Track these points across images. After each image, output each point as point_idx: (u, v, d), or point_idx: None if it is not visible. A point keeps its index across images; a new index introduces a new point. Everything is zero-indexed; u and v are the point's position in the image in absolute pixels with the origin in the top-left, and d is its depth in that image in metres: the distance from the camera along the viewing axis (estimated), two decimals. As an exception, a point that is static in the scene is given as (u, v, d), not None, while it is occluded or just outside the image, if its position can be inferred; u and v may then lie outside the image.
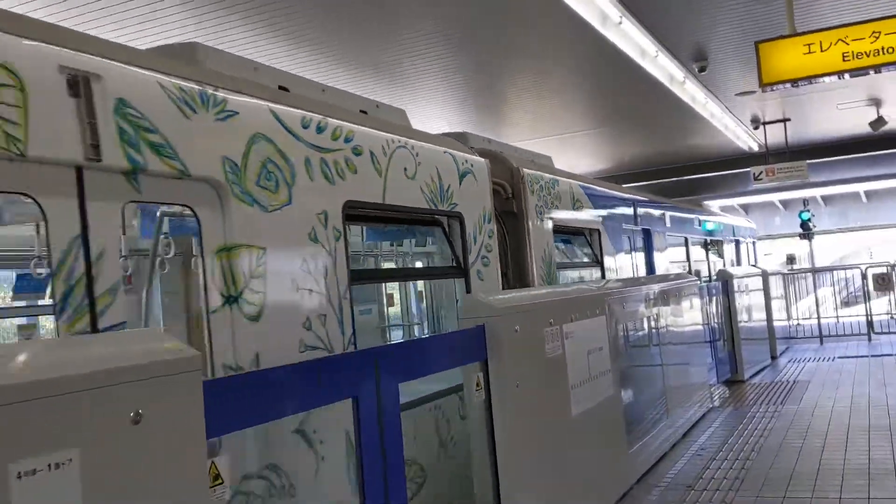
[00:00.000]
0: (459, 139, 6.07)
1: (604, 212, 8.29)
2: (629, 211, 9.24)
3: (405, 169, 4.75)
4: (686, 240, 11.66)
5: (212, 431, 2.28)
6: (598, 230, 8.12)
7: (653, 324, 7.36)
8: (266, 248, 3.53)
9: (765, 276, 13.11)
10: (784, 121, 14.65)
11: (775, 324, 13.33)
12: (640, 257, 9.56)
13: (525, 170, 6.64)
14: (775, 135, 15.55)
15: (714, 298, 10.52)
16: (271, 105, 3.74)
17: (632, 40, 9.18)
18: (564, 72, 10.61)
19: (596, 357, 5.43)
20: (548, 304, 4.81)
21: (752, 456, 6.64)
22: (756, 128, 15.08)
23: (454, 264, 5.29)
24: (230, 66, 3.98)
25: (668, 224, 10.65)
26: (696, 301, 9.15)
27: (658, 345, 7.47)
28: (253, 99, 3.64)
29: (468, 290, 5.21)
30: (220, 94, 3.45)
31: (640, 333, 7.06)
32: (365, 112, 4.94)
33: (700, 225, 12.47)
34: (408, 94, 10.87)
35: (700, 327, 9.33)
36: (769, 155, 16.32)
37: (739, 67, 10.96)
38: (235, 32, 8.11)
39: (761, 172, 14.81)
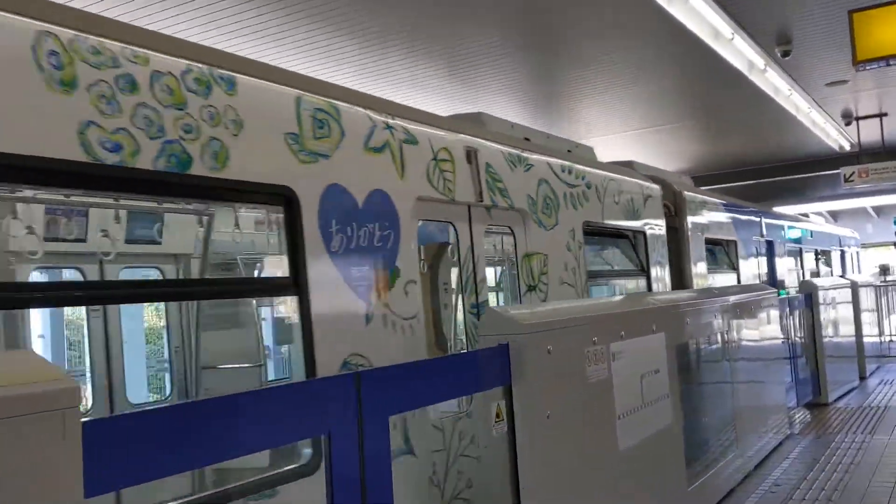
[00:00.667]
0: (627, 166, 7.84)
1: (739, 225, 10.02)
2: (757, 224, 10.85)
3: (614, 196, 6.85)
4: (801, 250, 13.26)
5: (92, 489, 1.72)
6: (735, 241, 9.87)
7: (724, 340, 6.54)
8: (547, 254, 5.60)
9: (854, 287, 11.94)
10: (880, 115, 13.26)
11: (865, 340, 12.14)
12: (764, 265, 10.99)
13: (685, 192, 8.40)
14: (870, 132, 14.17)
15: (796, 312, 9.54)
16: (548, 159, 5.92)
17: (703, 20, 8.19)
18: (630, 59, 9.75)
19: (651, 381, 4.70)
20: (590, 319, 4.12)
21: (836, 497, 5.76)
22: (848, 124, 13.67)
23: (640, 268, 7.45)
24: (499, 126, 5.93)
25: (787, 235, 12.26)
26: (775, 315, 8.22)
27: (729, 363, 6.64)
28: (537, 155, 5.80)
29: (649, 288, 7.43)
30: (524, 154, 5.62)
31: (709, 352, 6.25)
32: (570, 151, 6.69)
33: (812, 235, 14.12)
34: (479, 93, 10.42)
35: (779, 343, 8.41)
36: (862, 154, 14.82)
37: (830, 53, 9.80)
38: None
39: (853, 173, 13.50)
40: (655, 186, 7.72)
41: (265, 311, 6.18)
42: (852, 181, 13.51)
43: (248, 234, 4.54)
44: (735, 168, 17.76)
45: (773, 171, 18.04)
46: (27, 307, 4.19)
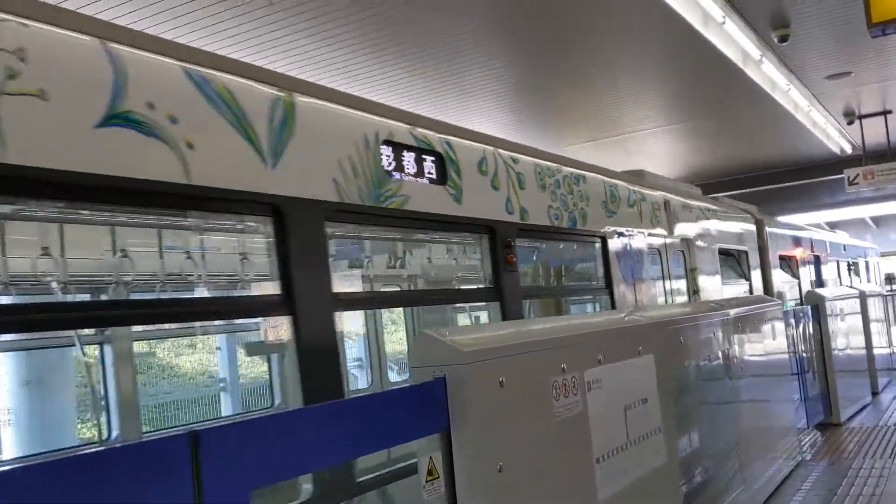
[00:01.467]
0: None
1: (797, 243, 12.49)
2: (808, 241, 13.20)
3: (730, 226, 9.44)
4: (837, 262, 15.54)
5: None
6: (795, 256, 12.29)
7: (726, 359, 5.75)
8: (698, 268, 8.06)
9: (863, 297, 11.16)
10: (885, 113, 12.48)
11: (874, 352, 11.34)
12: (813, 273, 13.36)
13: (765, 220, 11.06)
14: (874, 132, 13.36)
15: (802, 325, 8.76)
16: (698, 203, 8.61)
17: (692, 1, 7.38)
18: (616, 52, 8.99)
19: (638, 413, 3.92)
20: (557, 341, 3.34)
21: (860, 539, 4.95)
22: (850, 123, 12.87)
23: (744, 277, 9.91)
24: (662, 181, 8.13)
25: (829, 250, 14.57)
26: (781, 329, 7.44)
27: (732, 383, 5.86)
28: (694, 201, 8.50)
29: (751, 292, 9.58)
30: (689, 201, 8.32)
31: (708, 373, 5.46)
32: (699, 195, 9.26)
33: (845, 249, 16.50)
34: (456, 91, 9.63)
35: (786, 360, 7.62)
36: (865, 157, 13.97)
37: (832, 40, 9.02)
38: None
39: (857, 176, 12.72)
40: (749, 216, 10.56)
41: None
42: (857, 184, 12.72)
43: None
44: (728, 176, 16.86)
45: (770, 177, 17.21)
46: None
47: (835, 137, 14.29)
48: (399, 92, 9.43)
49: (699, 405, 5.27)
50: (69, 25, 2.67)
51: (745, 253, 9.86)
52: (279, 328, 3.39)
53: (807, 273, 12.74)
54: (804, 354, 8.73)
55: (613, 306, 6.28)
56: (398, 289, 6.64)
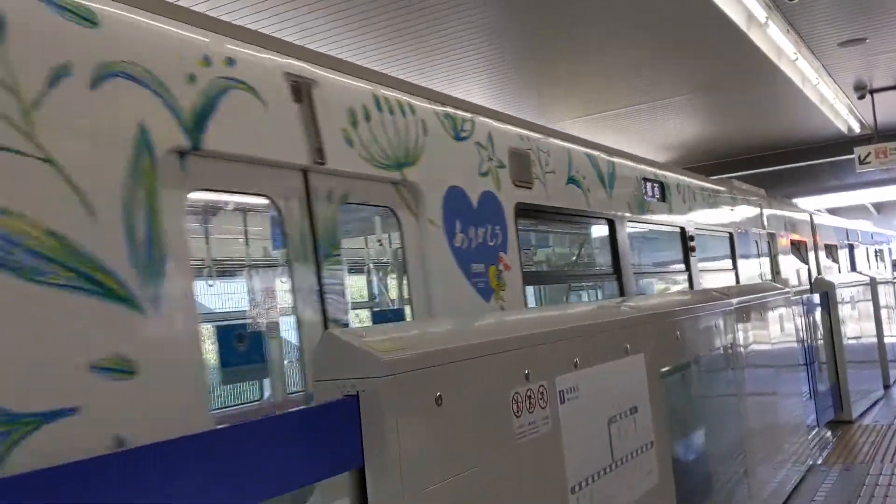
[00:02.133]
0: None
1: (836, 234, 13.66)
2: (844, 232, 14.49)
3: (795, 221, 11.06)
4: (866, 249, 16.78)
5: None
6: (836, 245, 13.49)
7: (728, 353, 5.06)
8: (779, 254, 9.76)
9: (873, 284, 10.47)
10: (898, 87, 11.71)
11: (886, 341, 10.66)
12: (848, 258, 14.68)
13: (814, 215, 12.25)
14: (887, 108, 12.47)
15: (811, 314, 8.08)
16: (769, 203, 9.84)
17: None
18: (603, 20, 8.22)
19: (625, 427, 3.22)
20: (517, 340, 2.63)
21: (886, 564, 4.28)
22: (861, 97, 11.97)
23: (805, 261, 11.28)
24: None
25: (860, 238, 15.99)
26: (788, 319, 6.75)
27: (735, 381, 5.17)
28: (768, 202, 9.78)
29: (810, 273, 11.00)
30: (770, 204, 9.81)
31: (709, 372, 4.78)
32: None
33: (872, 237, 17.89)
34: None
35: (794, 352, 6.94)
36: (877, 136, 13.06)
37: (848, 0, 8.28)
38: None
39: (869, 154, 11.94)
40: (806, 211, 12.06)
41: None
42: (868, 163, 11.94)
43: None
44: (723, 158, 15.93)
45: (770, 159, 16.33)
46: None
47: (843, 114, 13.41)
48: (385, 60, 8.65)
49: (699, 410, 4.58)
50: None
51: (805, 244, 11.25)
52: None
53: (844, 258, 14.35)
54: (812, 345, 8.06)
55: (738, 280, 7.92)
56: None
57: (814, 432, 7.47)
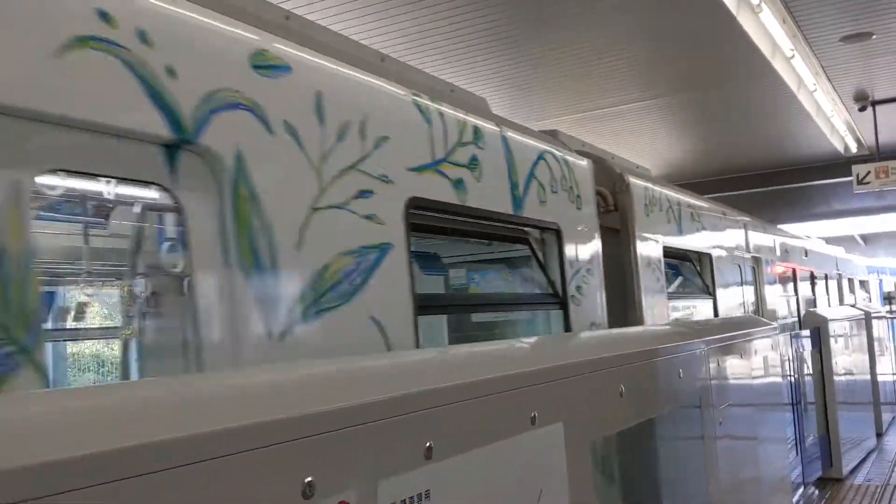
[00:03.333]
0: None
1: (841, 265, 13.41)
2: (845, 263, 14.28)
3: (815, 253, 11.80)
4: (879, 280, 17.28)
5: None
6: (852, 279, 14.25)
7: (696, 408, 3.93)
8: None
9: (868, 319, 9.42)
10: (902, 99, 10.55)
11: (879, 378, 9.62)
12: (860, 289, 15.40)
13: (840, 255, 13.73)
14: (890, 124, 11.46)
15: (797, 353, 6.99)
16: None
17: None
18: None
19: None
20: (286, 427, 1.46)
21: None
22: (862, 108, 10.81)
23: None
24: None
25: (868, 268, 16.64)
26: (774, 360, 5.64)
27: (704, 444, 4.04)
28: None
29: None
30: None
31: (669, 432, 3.64)
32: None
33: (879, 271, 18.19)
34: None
35: (778, 398, 5.84)
36: (880, 152, 11.78)
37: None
38: None
39: (868, 174, 10.85)
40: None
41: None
42: (867, 183, 10.85)
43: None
44: (704, 177, 14.75)
45: (755, 179, 15.26)
46: None
47: (840, 130, 12.32)
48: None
49: (655, 483, 3.45)
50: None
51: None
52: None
53: (859, 292, 14.95)
54: (799, 385, 6.97)
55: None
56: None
57: (799, 492, 6.37)
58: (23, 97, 1.83)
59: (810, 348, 7.24)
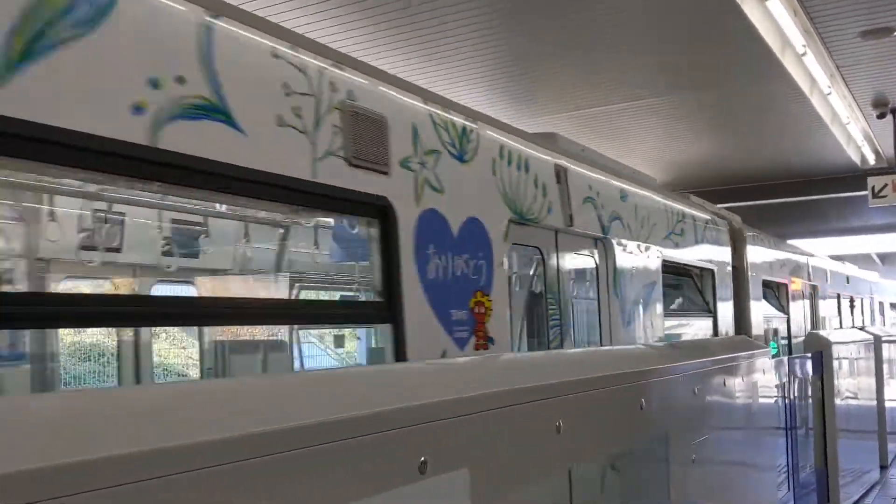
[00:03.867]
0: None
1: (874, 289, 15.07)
2: (877, 286, 15.82)
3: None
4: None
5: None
6: (872, 298, 14.77)
7: (665, 444, 3.44)
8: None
9: (877, 343, 8.85)
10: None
11: (886, 405, 9.05)
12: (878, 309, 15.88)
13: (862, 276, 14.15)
14: None
15: (796, 379, 6.47)
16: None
17: None
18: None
19: None
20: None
21: None
22: (881, 115, 10.06)
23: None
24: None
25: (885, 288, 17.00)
26: (767, 387, 5.13)
27: (668, 479, 3.54)
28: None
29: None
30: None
31: (627, 473, 3.15)
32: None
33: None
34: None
35: (770, 430, 5.32)
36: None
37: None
38: None
39: (885, 186, 10.24)
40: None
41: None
42: (884, 196, 10.25)
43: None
44: (709, 187, 13.96)
45: (764, 190, 14.57)
46: None
47: (857, 139, 11.62)
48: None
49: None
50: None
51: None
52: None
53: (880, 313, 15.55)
54: (794, 411, 6.44)
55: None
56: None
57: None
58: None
59: (811, 374, 6.72)
